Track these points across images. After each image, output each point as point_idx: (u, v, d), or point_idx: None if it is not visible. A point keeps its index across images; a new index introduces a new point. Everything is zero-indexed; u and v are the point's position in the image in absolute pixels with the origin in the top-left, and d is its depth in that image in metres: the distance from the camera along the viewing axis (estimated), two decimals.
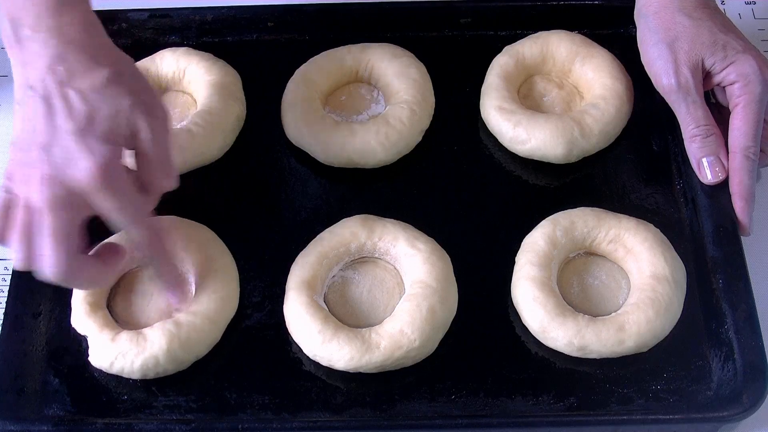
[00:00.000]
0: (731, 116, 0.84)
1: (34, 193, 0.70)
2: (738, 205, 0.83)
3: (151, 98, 0.75)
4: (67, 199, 0.70)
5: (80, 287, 0.79)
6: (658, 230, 0.84)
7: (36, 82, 0.71)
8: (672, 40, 0.85)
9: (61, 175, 0.69)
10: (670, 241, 0.83)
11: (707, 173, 0.85)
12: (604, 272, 0.84)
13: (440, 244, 0.84)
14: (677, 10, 0.86)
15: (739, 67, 0.84)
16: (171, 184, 0.76)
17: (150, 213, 0.76)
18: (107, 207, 0.71)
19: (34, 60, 0.72)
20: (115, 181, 0.70)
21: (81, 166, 0.69)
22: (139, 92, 0.73)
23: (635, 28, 0.91)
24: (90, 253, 0.76)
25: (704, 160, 0.85)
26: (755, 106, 0.83)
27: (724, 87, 0.86)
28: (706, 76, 0.86)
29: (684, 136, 0.86)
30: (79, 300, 0.82)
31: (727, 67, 0.84)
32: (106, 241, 0.78)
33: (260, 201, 0.90)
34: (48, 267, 0.70)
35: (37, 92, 0.71)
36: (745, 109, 0.83)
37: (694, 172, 0.86)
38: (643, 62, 0.89)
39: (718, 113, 0.87)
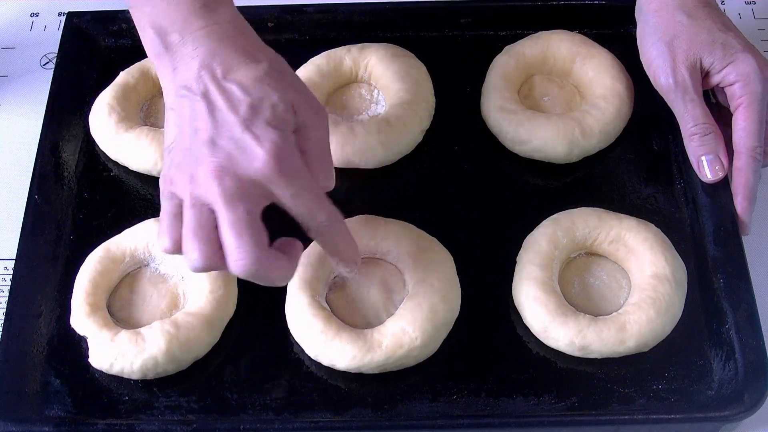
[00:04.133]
0: (734, 116, 0.84)
1: (206, 189, 0.68)
2: (741, 204, 0.83)
3: (309, 94, 0.74)
4: (243, 190, 0.68)
5: (269, 281, 0.72)
6: (659, 230, 0.84)
7: (191, 82, 0.70)
8: (671, 39, 0.86)
9: (233, 166, 0.68)
10: (671, 241, 0.83)
11: (707, 171, 0.85)
12: (605, 272, 0.84)
13: (442, 244, 0.84)
14: (677, 9, 0.86)
15: (739, 66, 0.84)
16: (330, 183, 0.75)
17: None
18: (285, 193, 0.69)
19: (186, 62, 0.71)
20: (290, 166, 0.69)
21: (254, 155, 0.68)
22: (297, 87, 0.72)
23: (635, 27, 0.91)
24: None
25: (703, 158, 0.85)
26: (757, 106, 0.83)
27: (723, 87, 0.86)
28: (705, 75, 0.86)
29: (683, 134, 0.86)
30: (78, 300, 0.82)
31: (726, 66, 0.84)
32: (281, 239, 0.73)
33: None
34: (238, 261, 0.68)
35: (193, 92, 0.70)
36: (747, 109, 0.83)
37: (694, 171, 0.86)
38: (642, 60, 0.89)
39: (718, 113, 0.87)
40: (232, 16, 0.74)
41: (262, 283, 0.71)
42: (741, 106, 0.84)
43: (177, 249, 0.70)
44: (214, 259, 0.69)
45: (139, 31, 0.75)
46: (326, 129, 0.74)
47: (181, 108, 0.71)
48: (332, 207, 0.72)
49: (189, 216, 0.69)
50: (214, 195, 0.68)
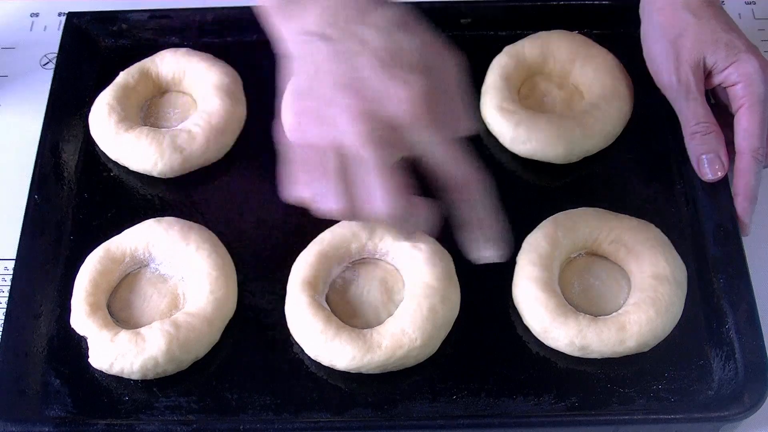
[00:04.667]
0: (736, 117, 0.84)
1: (347, 133, 0.65)
2: (742, 205, 0.83)
3: (440, 37, 0.70)
4: (386, 134, 0.65)
5: (411, 228, 0.69)
6: (659, 230, 0.84)
7: (323, 27, 0.67)
8: (675, 37, 0.86)
9: (375, 109, 0.65)
10: (671, 241, 0.83)
11: (707, 171, 0.85)
12: (605, 272, 0.84)
13: (441, 245, 0.84)
14: (681, 7, 0.86)
15: (741, 66, 0.83)
16: (471, 126, 0.70)
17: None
18: (425, 138, 0.66)
19: (312, 7, 0.68)
20: (432, 110, 0.65)
21: (398, 97, 0.65)
22: (428, 29, 0.69)
23: (636, 27, 0.92)
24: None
25: (704, 157, 0.85)
26: (759, 107, 0.83)
27: (726, 88, 0.86)
28: (708, 74, 0.86)
29: (684, 133, 0.86)
30: (78, 301, 0.82)
31: (729, 66, 0.84)
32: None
33: (260, 201, 0.90)
34: (382, 206, 0.65)
35: (323, 36, 0.67)
36: (750, 110, 0.83)
37: (694, 171, 0.86)
38: (645, 58, 0.89)
39: (717, 114, 0.87)
40: None
41: (401, 232, 0.69)
42: (743, 107, 0.84)
43: (307, 196, 0.68)
44: (354, 202, 0.67)
45: None
46: (461, 72, 0.70)
47: (310, 53, 0.68)
48: (473, 161, 0.69)
49: (327, 160, 0.66)
50: (357, 139, 0.65)
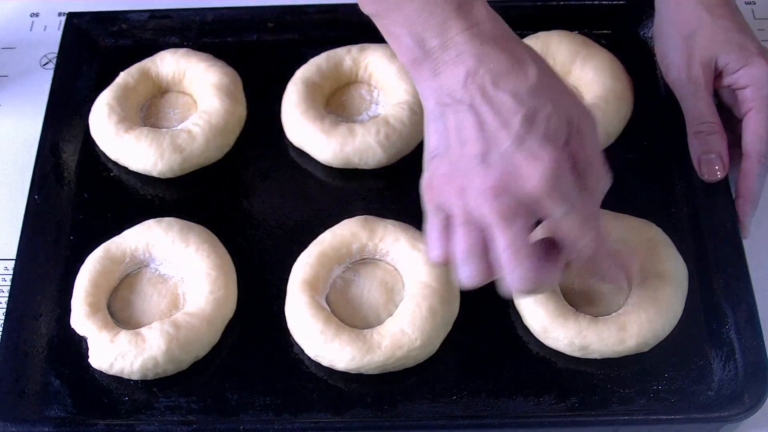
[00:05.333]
0: (744, 120, 0.84)
1: (480, 207, 0.66)
2: (743, 208, 0.83)
3: (577, 97, 0.70)
4: (517, 208, 0.66)
5: (539, 293, 0.74)
6: (660, 229, 0.84)
7: (457, 91, 0.66)
8: (688, 34, 0.85)
9: (507, 185, 0.65)
10: (671, 241, 0.83)
11: (707, 171, 0.85)
12: None
13: None
14: (698, 4, 0.86)
15: (753, 70, 0.83)
16: (606, 183, 0.71)
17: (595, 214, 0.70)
18: (557, 212, 0.66)
19: (449, 69, 0.67)
20: (564, 185, 0.66)
21: (528, 173, 0.65)
22: (567, 92, 0.68)
23: (636, 27, 0.91)
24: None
25: (706, 157, 0.85)
26: None
27: (735, 90, 0.85)
28: (718, 75, 0.86)
29: (688, 131, 0.86)
30: (78, 301, 0.82)
31: (740, 68, 0.84)
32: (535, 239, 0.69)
33: (260, 202, 0.90)
34: (516, 281, 0.68)
35: (460, 101, 0.66)
36: (759, 114, 0.83)
37: (694, 171, 0.86)
38: (655, 52, 0.89)
39: (720, 115, 0.87)
40: (488, 13, 0.68)
41: (529, 295, 0.72)
42: (752, 110, 0.83)
43: (447, 260, 0.71)
44: (487, 273, 0.69)
45: (389, 39, 0.71)
46: (596, 133, 0.70)
47: (445, 116, 0.68)
48: (598, 230, 0.70)
49: (462, 233, 0.68)
50: (489, 214, 0.66)
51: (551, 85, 0.67)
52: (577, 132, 0.67)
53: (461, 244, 0.68)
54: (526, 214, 0.66)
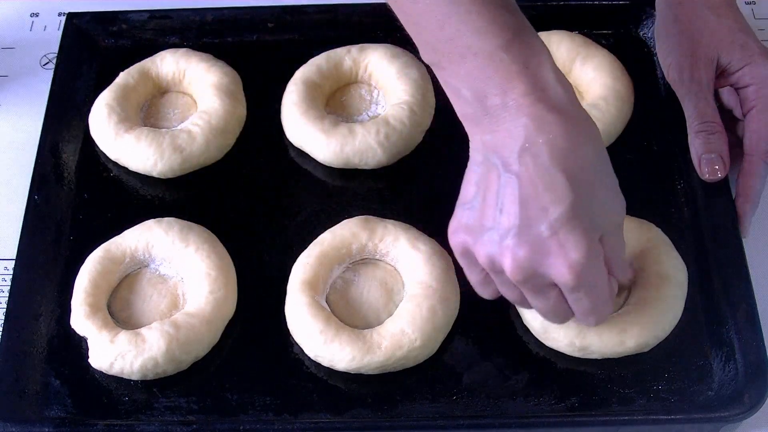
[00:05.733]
0: (746, 119, 0.84)
1: (505, 267, 0.67)
2: (743, 207, 0.83)
3: (617, 187, 0.68)
4: (538, 283, 0.67)
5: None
6: (659, 229, 0.84)
7: (510, 156, 0.64)
8: (691, 33, 0.85)
9: (535, 265, 0.66)
10: (671, 241, 0.83)
11: (708, 170, 0.85)
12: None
13: (441, 245, 0.84)
14: (702, 4, 0.86)
15: (755, 69, 0.83)
16: (627, 276, 0.75)
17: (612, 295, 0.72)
18: (571, 296, 0.68)
19: (507, 130, 0.64)
20: (591, 280, 0.66)
21: (556, 264, 0.65)
22: (613, 182, 0.67)
23: (636, 27, 0.91)
24: None
25: (706, 156, 0.85)
26: None
27: (737, 89, 0.85)
28: (720, 74, 0.86)
29: (689, 130, 0.86)
30: (78, 301, 0.82)
31: (742, 68, 0.84)
32: None
33: (260, 202, 0.90)
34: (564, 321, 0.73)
35: (510, 167, 0.64)
36: (761, 113, 0.83)
37: (694, 172, 0.86)
38: (657, 51, 0.89)
39: (721, 117, 0.87)
40: (556, 78, 0.65)
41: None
42: (754, 110, 0.83)
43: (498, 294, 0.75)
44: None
45: (447, 90, 0.68)
46: (622, 227, 0.70)
47: (488, 175, 0.66)
48: (608, 311, 0.72)
49: (505, 289, 0.72)
50: (513, 276, 0.67)
51: (602, 169, 0.66)
52: (614, 227, 0.68)
53: (511, 295, 0.73)
54: (548, 287, 0.69)
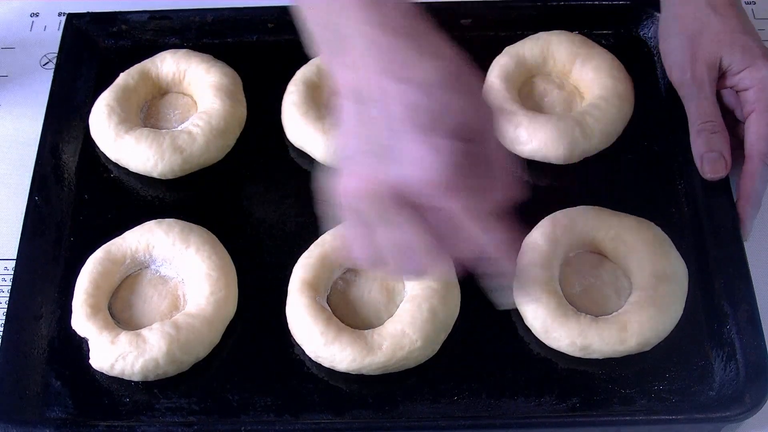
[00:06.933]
0: (747, 121, 0.84)
1: (387, 211, 0.64)
2: (744, 209, 0.83)
3: (486, 98, 0.66)
4: (423, 199, 0.64)
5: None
6: (660, 229, 0.84)
7: (365, 85, 0.64)
8: (694, 33, 0.85)
9: (406, 182, 0.63)
10: (671, 241, 0.83)
11: (710, 169, 0.85)
12: (606, 271, 0.84)
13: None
14: (705, 4, 0.86)
15: (756, 71, 0.83)
16: (513, 192, 0.68)
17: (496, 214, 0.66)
18: (454, 206, 0.63)
19: (357, 61, 0.64)
20: (463, 179, 0.62)
21: (426, 166, 0.61)
22: (477, 89, 0.66)
23: (636, 27, 0.91)
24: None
25: (708, 155, 0.85)
26: None
27: (738, 91, 0.85)
28: (721, 75, 0.86)
29: (691, 130, 0.86)
30: (79, 302, 0.82)
31: (743, 69, 0.84)
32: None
33: (261, 202, 0.90)
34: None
35: (366, 95, 0.64)
36: (762, 115, 0.83)
37: (695, 171, 0.86)
38: (660, 50, 0.89)
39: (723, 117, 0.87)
40: (401, 3, 0.65)
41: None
42: (754, 112, 0.83)
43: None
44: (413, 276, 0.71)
45: (306, 31, 0.68)
46: (500, 135, 0.67)
47: (352, 112, 0.65)
48: (503, 233, 0.66)
49: (384, 236, 0.66)
50: (392, 208, 0.64)
51: (463, 79, 0.65)
52: (481, 129, 0.64)
53: (383, 245, 0.66)
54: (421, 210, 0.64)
